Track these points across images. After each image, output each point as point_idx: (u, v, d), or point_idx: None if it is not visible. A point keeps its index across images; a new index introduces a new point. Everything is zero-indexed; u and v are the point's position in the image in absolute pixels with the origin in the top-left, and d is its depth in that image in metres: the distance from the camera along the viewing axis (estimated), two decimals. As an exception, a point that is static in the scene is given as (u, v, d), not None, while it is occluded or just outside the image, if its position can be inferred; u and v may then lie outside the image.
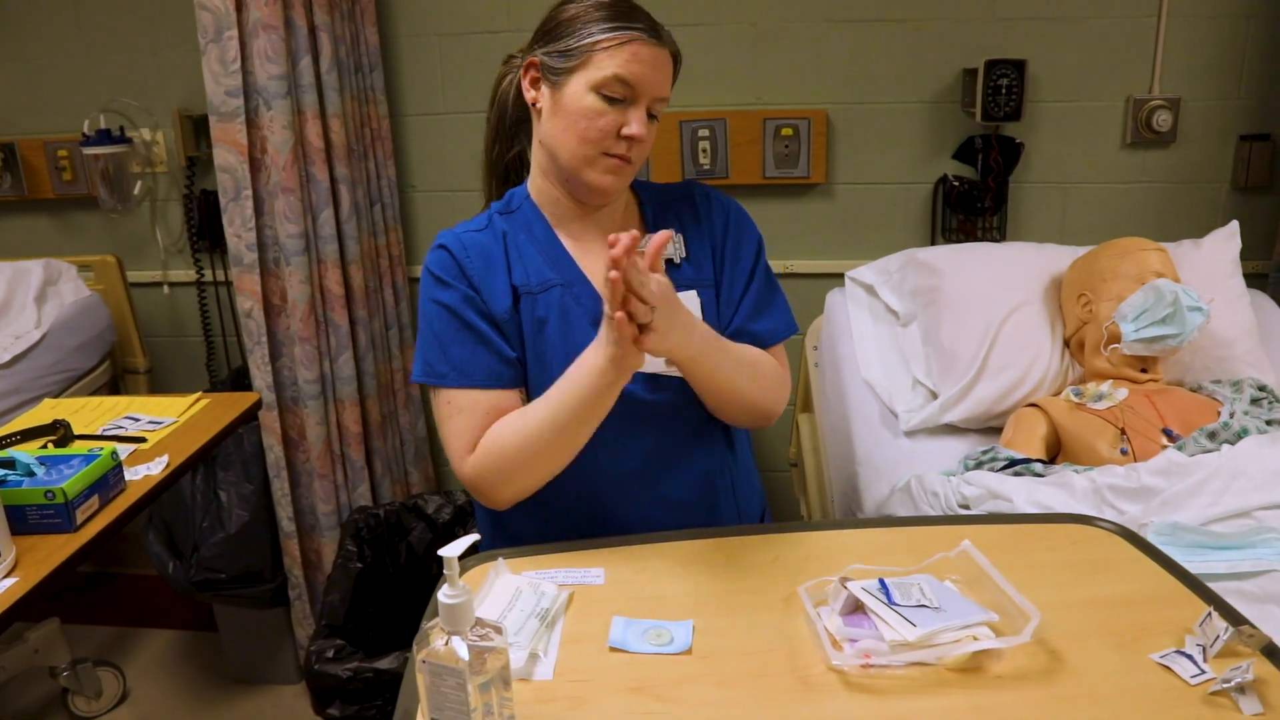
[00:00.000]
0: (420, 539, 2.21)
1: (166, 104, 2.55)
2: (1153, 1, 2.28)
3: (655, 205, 1.38)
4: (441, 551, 0.83)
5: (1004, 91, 2.24)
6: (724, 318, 1.34)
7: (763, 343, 1.35)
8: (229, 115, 2.06)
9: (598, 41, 1.20)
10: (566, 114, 1.23)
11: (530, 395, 1.26)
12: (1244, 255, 2.07)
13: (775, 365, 1.35)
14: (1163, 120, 2.31)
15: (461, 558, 0.86)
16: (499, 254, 1.28)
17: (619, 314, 1.04)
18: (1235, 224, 2.08)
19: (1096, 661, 0.96)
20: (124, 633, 2.66)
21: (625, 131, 1.22)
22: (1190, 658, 0.95)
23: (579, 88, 1.21)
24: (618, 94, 1.21)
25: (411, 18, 2.47)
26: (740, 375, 1.28)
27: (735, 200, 1.41)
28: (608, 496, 1.30)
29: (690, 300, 1.28)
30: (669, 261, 1.30)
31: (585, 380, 1.14)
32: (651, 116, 1.25)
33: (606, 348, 1.11)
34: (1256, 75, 2.32)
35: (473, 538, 0.88)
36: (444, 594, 0.82)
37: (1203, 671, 0.93)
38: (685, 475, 1.34)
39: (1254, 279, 2.22)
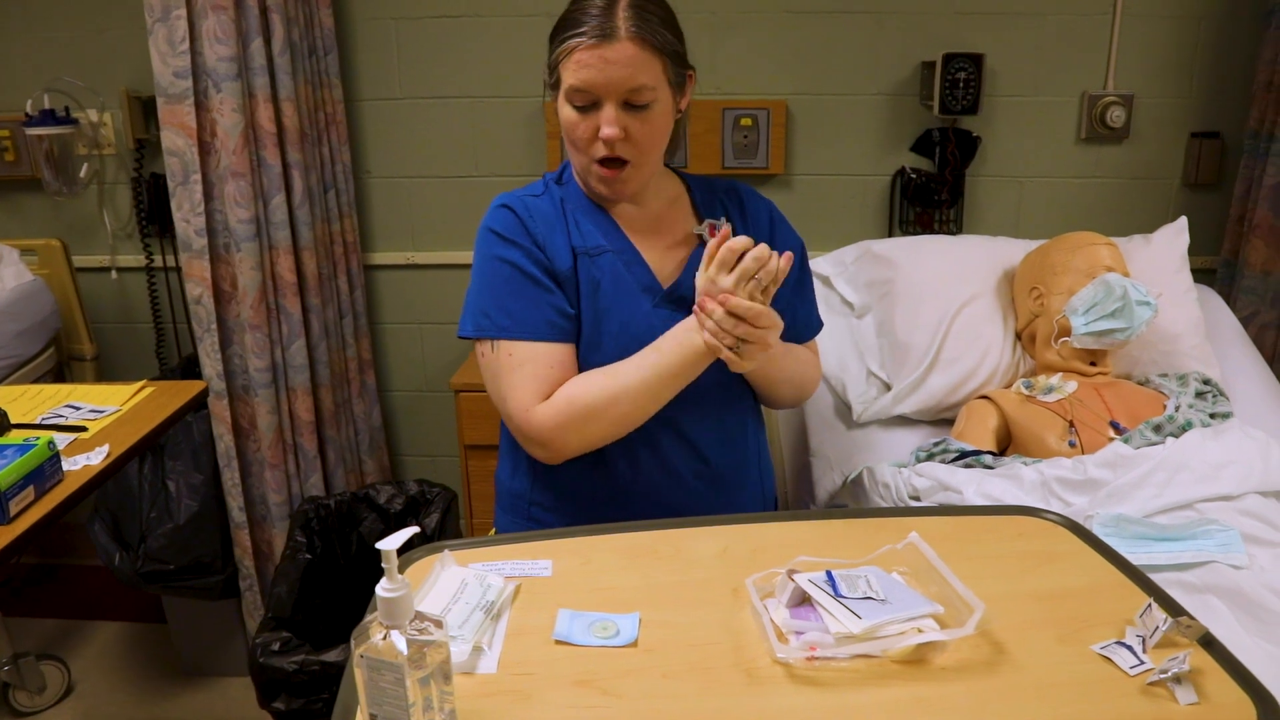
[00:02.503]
0: (371, 530, 2.18)
1: (114, 84, 2.49)
2: (1108, -1, 2.31)
3: (703, 193, 1.45)
4: (379, 544, 0.81)
5: (961, 85, 2.25)
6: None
7: (802, 337, 1.48)
8: (177, 97, 2.01)
9: (556, 57, 1.26)
10: (562, 126, 1.30)
11: (583, 352, 1.32)
12: (1192, 251, 2.10)
13: (814, 357, 1.50)
14: (1116, 116, 2.34)
15: (403, 551, 0.84)
16: (558, 216, 1.36)
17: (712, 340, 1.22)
18: (1184, 220, 2.11)
19: (1039, 653, 0.97)
20: (69, 625, 2.61)
21: (601, 134, 1.26)
22: (1130, 648, 0.96)
23: (561, 101, 1.28)
24: (580, 101, 1.26)
25: (367, 1, 2.43)
26: (792, 370, 1.41)
27: (774, 203, 1.49)
28: (646, 467, 1.35)
29: None
30: None
31: (681, 354, 1.26)
32: (638, 106, 1.25)
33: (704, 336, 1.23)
34: (1207, 74, 2.35)
35: (412, 530, 0.86)
36: (382, 587, 0.81)
37: (1142, 662, 0.94)
38: (723, 441, 1.39)
39: (1201, 274, 2.26)
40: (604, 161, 1.29)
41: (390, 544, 0.82)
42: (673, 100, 1.30)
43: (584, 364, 1.33)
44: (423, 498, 2.20)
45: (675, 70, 1.28)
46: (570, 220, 1.36)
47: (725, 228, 1.28)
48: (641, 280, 1.35)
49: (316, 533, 2.09)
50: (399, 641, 0.81)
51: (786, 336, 1.40)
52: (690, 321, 1.27)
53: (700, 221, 1.39)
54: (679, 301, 1.35)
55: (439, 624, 0.84)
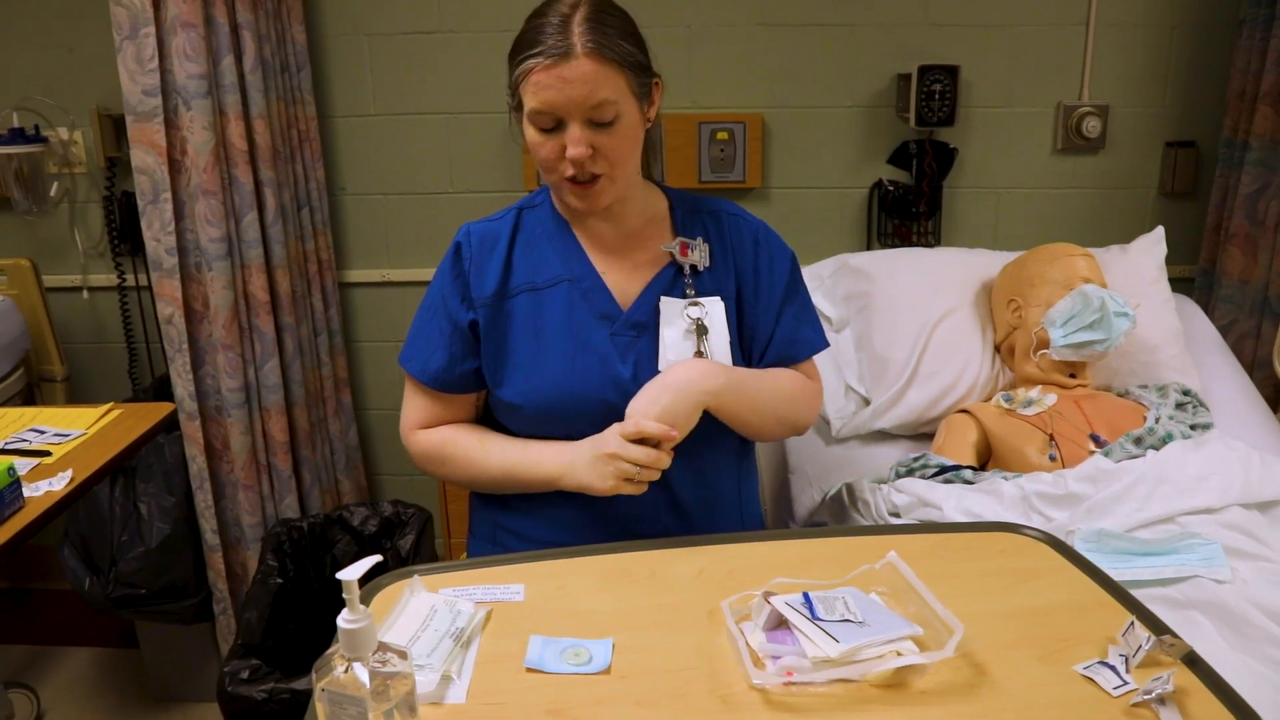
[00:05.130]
0: (345, 552, 2.15)
1: (85, 102, 2.46)
2: (1081, 10, 2.32)
3: (685, 212, 1.41)
4: (340, 575, 0.79)
5: (937, 97, 2.25)
6: (761, 333, 1.39)
7: (798, 356, 1.41)
8: (146, 115, 1.98)
9: (516, 79, 1.23)
10: (529, 147, 1.28)
11: (520, 382, 1.32)
12: (1169, 260, 2.10)
13: (804, 381, 1.42)
14: (1092, 126, 2.34)
15: (372, 575, 0.82)
16: (504, 245, 1.35)
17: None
18: (1161, 230, 2.11)
19: (1020, 674, 0.95)
20: (39, 651, 2.55)
21: (567, 154, 1.23)
22: (1113, 668, 0.95)
23: (526, 123, 1.26)
24: (545, 124, 1.23)
25: (340, 17, 2.41)
26: (764, 405, 1.34)
27: (764, 222, 1.45)
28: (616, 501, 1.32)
29: (714, 305, 1.34)
30: (694, 268, 1.36)
31: (546, 468, 1.29)
32: (603, 123, 1.23)
33: (589, 473, 1.24)
34: (1181, 83, 2.36)
35: (373, 559, 0.84)
36: (343, 619, 0.78)
37: (1125, 683, 0.93)
38: (695, 479, 1.35)
39: (1179, 283, 2.26)
40: (574, 179, 1.26)
41: (351, 574, 0.80)
42: (639, 111, 1.27)
43: (525, 392, 1.31)
44: (397, 519, 2.17)
45: (638, 81, 1.25)
46: (520, 248, 1.35)
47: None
48: (599, 308, 1.33)
49: (289, 556, 2.05)
50: (361, 674, 0.79)
51: (776, 355, 1.38)
52: (576, 452, 1.27)
53: (674, 239, 1.36)
54: (638, 327, 1.32)
55: (403, 655, 0.82)
